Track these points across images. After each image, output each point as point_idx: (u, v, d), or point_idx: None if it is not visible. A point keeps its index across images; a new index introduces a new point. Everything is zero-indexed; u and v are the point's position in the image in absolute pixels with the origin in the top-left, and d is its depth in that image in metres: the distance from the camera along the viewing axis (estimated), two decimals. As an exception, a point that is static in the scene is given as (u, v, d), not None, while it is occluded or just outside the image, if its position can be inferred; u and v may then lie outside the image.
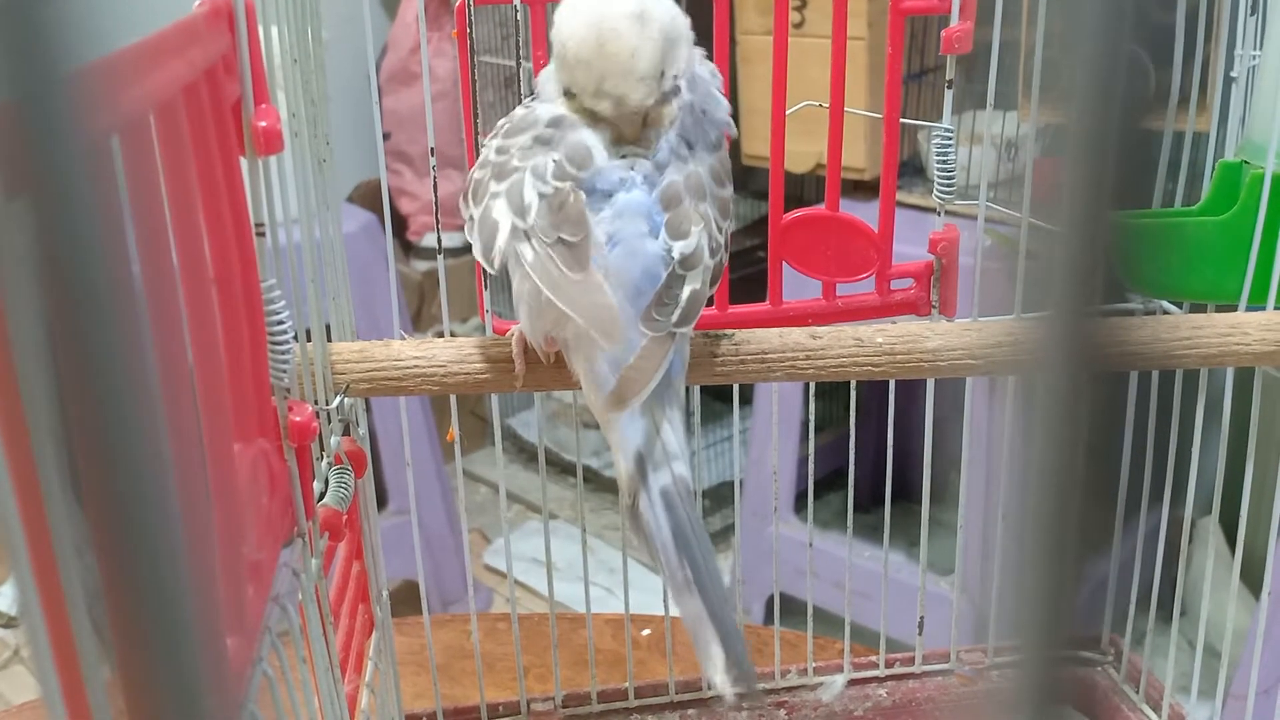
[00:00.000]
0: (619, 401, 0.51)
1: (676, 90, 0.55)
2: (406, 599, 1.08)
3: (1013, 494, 0.17)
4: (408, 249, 2.36)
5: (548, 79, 0.57)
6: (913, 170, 1.67)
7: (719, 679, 0.48)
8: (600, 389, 0.52)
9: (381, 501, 1.74)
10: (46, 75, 0.17)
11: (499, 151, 0.57)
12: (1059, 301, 0.15)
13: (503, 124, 0.58)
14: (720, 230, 0.56)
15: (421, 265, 2.31)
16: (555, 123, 0.55)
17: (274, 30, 0.51)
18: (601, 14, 0.53)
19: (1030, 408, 0.16)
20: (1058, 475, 0.16)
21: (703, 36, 0.66)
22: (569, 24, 0.54)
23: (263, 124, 0.45)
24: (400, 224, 2.35)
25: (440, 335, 0.66)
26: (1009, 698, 0.17)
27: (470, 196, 0.57)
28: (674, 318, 0.53)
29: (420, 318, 2.29)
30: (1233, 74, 0.73)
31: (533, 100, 0.58)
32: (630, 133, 0.55)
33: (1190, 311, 0.70)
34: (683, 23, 0.56)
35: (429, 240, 2.29)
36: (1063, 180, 0.15)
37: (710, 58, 0.64)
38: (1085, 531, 0.16)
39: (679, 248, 0.54)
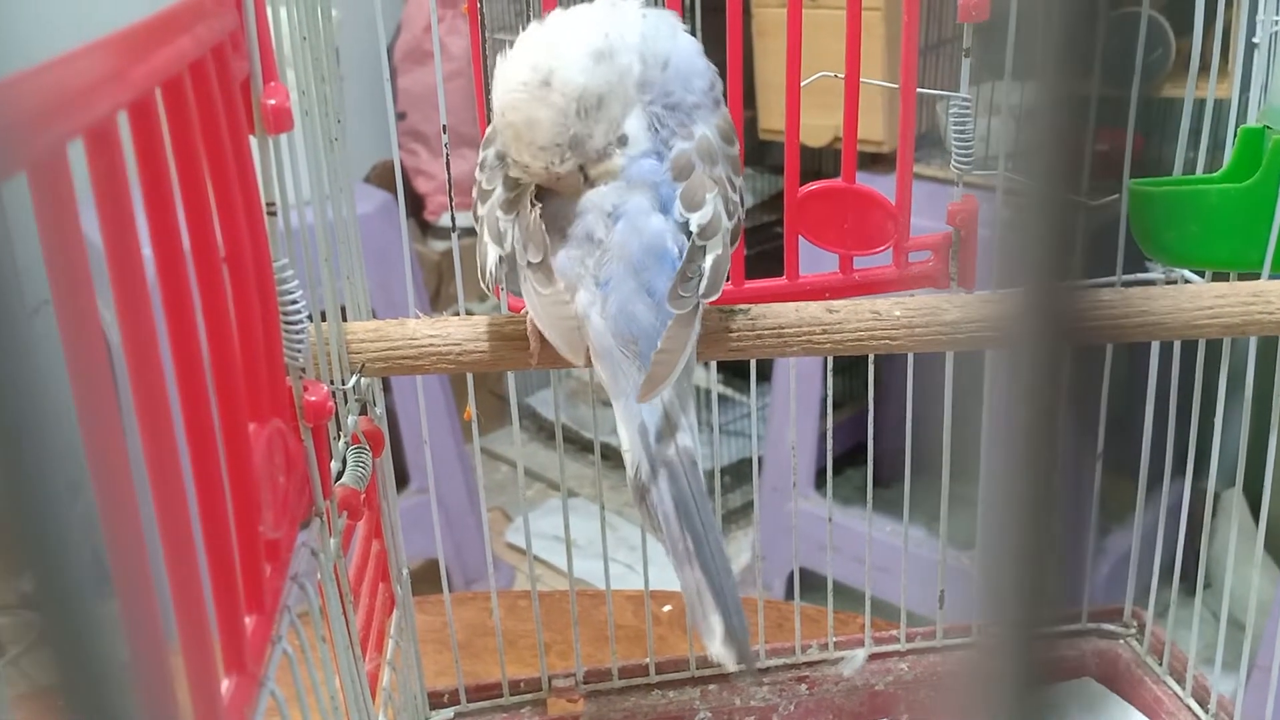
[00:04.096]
0: (651, 389, 0.50)
1: (623, 140, 0.54)
2: (428, 577, 1.08)
3: (999, 469, 0.16)
4: (425, 229, 2.36)
5: None
6: (930, 142, 1.65)
7: (717, 650, 0.48)
8: (617, 375, 0.51)
9: (402, 481, 1.75)
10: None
11: (479, 167, 0.57)
12: (1032, 275, 0.15)
13: (490, 129, 0.58)
14: (735, 189, 0.56)
15: (439, 245, 2.31)
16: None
17: (282, 8, 0.51)
18: (509, 79, 0.52)
19: (1009, 381, 0.16)
20: (1034, 448, 0.16)
21: (717, 10, 0.65)
22: (494, 84, 0.53)
23: (271, 102, 0.45)
24: (417, 204, 2.35)
25: (457, 314, 0.66)
26: (987, 678, 0.17)
27: (474, 216, 0.58)
28: (701, 289, 0.52)
29: (439, 297, 2.29)
30: (1255, 39, 0.72)
31: None
32: (567, 192, 0.55)
33: (1212, 280, 0.70)
34: (618, 72, 0.53)
35: (446, 220, 2.29)
36: (1034, 154, 0.15)
37: (723, 33, 0.64)
38: (1064, 504, 0.16)
39: (695, 219, 0.53)
